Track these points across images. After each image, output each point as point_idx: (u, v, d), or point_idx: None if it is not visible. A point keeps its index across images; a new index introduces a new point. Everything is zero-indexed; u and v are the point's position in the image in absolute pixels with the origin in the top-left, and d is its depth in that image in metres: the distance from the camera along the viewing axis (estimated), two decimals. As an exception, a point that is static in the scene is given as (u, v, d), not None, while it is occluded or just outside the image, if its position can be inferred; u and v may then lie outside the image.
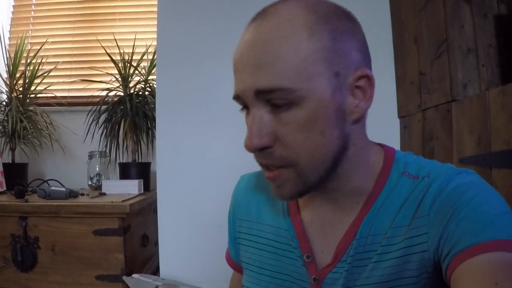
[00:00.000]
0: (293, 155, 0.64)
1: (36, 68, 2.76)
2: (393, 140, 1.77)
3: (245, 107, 0.69)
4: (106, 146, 2.59)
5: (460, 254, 0.58)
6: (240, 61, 0.66)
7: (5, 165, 2.50)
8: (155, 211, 2.49)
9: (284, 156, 0.64)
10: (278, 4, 0.66)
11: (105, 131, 2.59)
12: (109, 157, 2.65)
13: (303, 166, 0.65)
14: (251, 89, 0.63)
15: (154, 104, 2.51)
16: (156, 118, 1.97)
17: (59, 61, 2.98)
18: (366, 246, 0.71)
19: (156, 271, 2.44)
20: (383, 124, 1.46)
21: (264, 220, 0.86)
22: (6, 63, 2.78)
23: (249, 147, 0.65)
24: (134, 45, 2.69)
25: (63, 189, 2.05)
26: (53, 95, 2.90)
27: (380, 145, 0.80)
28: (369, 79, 0.68)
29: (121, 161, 2.62)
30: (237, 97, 0.68)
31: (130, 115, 2.48)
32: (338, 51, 0.64)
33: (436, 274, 0.65)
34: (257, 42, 0.64)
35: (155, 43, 2.62)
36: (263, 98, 0.63)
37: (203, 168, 1.92)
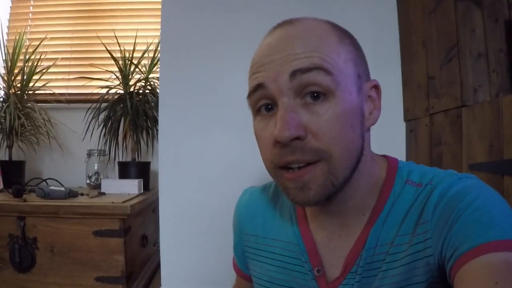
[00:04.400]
0: (327, 147, 0.63)
1: (35, 64, 2.73)
2: (399, 144, 1.75)
3: (263, 105, 0.68)
4: (105, 144, 2.56)
5: (462, 256, 0.58)
6: (269, 55, 0.66)
7: (2, 162, 2.48)
8: (154, 211, 2.48)
9: (317, 148, 0.63)
10: (301, 18, 0.70)
11: (104, 129, 2.56)
12: (108, 156, 2.62)
13: (336, 159, 0.64)
14: (287, 71, 0.63)
15: (155, 103, 2.49)
16: (159, 116, 1.94)
17: (58, 58, 2.95)
18: (375, 256, 0.71)
19: (155, 272, 2.42)
20: (388, 127, 1.44)
21: (271, 234, 0.87)
22: (4, 59, 2.74)
23: (283, 137, 0.62)
24: (135, 43, 2.67)
25: (62, 188, 2.03)
26: (51, 92, 2.86)
27: (383, 156, 0.81)
28: (378, 90, 0.74)
29: (121, 160, 2.60)
30: (259, 87, 0.66)
31: (130, 114, 2.45)
32: (359, 58, 0.71)
33: (441, 278, 0.65)
34: (292, 37, 0.66)
35: (156, 40, 2.61)
36: (298, 84, 0.63)
37: (206, 168, 1.90)
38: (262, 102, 0.68)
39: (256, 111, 0.70)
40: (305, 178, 0.64)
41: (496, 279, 0.52)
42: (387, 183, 0.74)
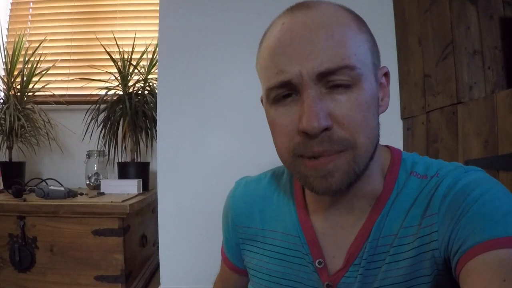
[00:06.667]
0: (353, 136, 0.62)
1: (34, 66, 2.74)
2: (396, 142, 1.76)
3: (282, 94, 0.66)
4: (104, 145, 2.57)
5: (469, 251, 0.57)
6: (291, 44, 0.63)
7: (2, 163, 2.48)
8: (153, 211, 2.48)
9: (343, 137, 0.62)
10: (317, 1, 0.68)
11: (103, 130, 2.57)
12: (107, 157, 2.63)
13: (360, 148, 0.63)
14: (314, 71, 0.61)
15: (154, 104, 2.50)
16: (158, 117, 1.95)
17: (58, 59, 2.97)
18: (378, 248, 0.70)
19: (154, 272, 2.43)
20: (385, 125, 1.44)
21: (270, 226, 0.84)
22: (4, 60, 2.75)
23: (312, 128, 0.60)
24: (134, 44, 2.68)
25: (62, 188, 2.03)
26: (51, 93, 2.87)
27: (387, 146, 0.80)
28: (388, 77, 0.73)
29: (120, 161, 2.60)
30: (285, 84, 0.64)
31: (129, 114, 2.46)
32: (374, 46, 0.70)
33: (447, 272, 0.64)
34: (314, 25, 0.63)
35: (155, 41, 2.61)
36: (325, 79, 0.62)
37: (205, 168, 1.91)
38: (283, 93, 0.65)
39: (276, 101, 0.67)
40: (329, 166, 0.63)
41: (504, 276, 0.51)
42: (391, 174, 0.73)
